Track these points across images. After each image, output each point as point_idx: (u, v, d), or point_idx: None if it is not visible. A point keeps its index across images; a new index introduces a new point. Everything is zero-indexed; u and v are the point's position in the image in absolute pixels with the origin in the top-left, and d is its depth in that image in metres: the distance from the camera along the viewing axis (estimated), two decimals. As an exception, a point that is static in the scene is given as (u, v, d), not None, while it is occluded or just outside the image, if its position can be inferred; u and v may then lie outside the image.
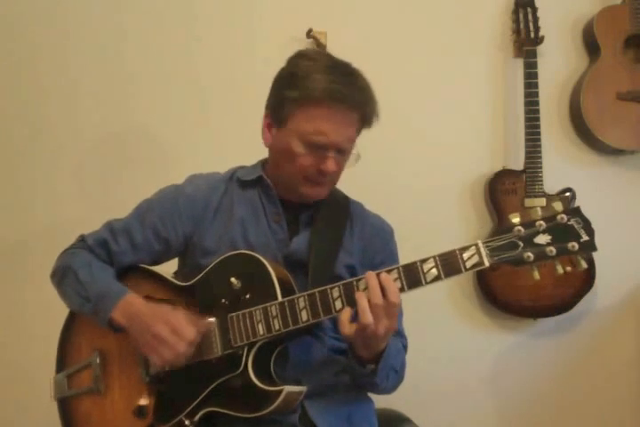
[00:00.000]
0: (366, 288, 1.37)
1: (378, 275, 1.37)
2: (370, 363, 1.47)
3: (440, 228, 2.47)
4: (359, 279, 1.40)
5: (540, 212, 1.32)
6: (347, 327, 1.38)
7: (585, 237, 1.27)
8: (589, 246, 1.28)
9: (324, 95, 1.51)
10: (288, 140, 1.56)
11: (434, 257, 1.35)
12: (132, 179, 2.38)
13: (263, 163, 1.72)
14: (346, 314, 1.39)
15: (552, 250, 1.28)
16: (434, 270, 1.34)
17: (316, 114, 1.53)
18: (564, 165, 2.51)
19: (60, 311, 1.69)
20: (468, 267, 1.32)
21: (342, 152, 1.58)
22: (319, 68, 1.55)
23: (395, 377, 1.58)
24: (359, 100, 1.55)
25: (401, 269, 1.37)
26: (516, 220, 1.32)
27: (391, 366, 1.54)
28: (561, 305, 2.40)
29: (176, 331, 1.45)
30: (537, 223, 1.29)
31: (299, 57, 1.61)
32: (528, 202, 2.37)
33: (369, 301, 1.35)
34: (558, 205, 1.30)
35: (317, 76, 1.53)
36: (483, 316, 2.51)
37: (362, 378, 1.53)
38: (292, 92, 1.55)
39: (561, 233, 1.28)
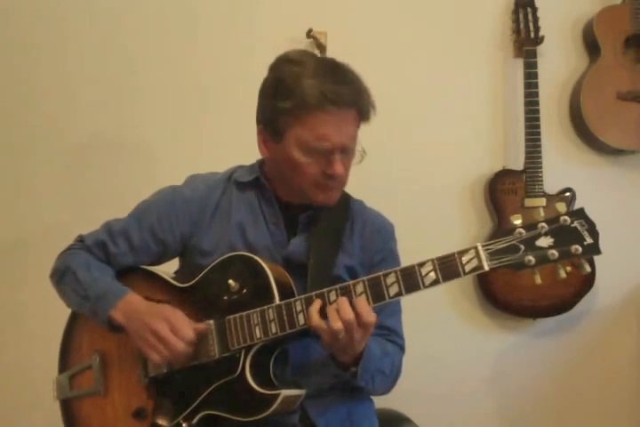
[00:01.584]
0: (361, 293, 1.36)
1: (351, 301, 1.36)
2: (352, 366, 1.46)
3: (440, 228, 2.47)
4: (356, 282, 1.38)
5: (542, 213, 1.28)
6: (315, 319, 1.37)
7: (589, 240, 1.23)
8: (593, 250, 1.24)
9: (318, 101, 1.45)
10: (289, 152, 1.51)
11: (432, 260, 1.32)
12: (132, 179, 2.38)
13: (261, 163, 1.69)
14: (315, 305, 1.38)
15: (554, 253, 1.24)
16: (432, 274, 1.31)
17: (313, 120, 1.47)
18: (564, 165, 2.51)
19: (60, 311, 1.68)
20: (467, 271, 1.29)
21: (347, 152, 1.53)
22: (307, 71, 1.48)
23: (383, 379, 1.56)
24: (354, 96, 1.49)
25: (399, 272, 1.34)
26: (517, 221, 1.28)
27: (376, 368, 1.52)
28: (561, 305, 2.40)
29: (176, 330, 1.45)
30: (539, 225, 1.25)
31: (282, 62, 1.55)
32: (528, 202, 2.37)
33: (339, 315, 1.35)
34: (562, 207, 1.26)
35: (307, 82, 1.46)
36: (483, 316, 2.51)
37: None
38: (284, 103, 1.48)
39: (564, 236, 1.24)
